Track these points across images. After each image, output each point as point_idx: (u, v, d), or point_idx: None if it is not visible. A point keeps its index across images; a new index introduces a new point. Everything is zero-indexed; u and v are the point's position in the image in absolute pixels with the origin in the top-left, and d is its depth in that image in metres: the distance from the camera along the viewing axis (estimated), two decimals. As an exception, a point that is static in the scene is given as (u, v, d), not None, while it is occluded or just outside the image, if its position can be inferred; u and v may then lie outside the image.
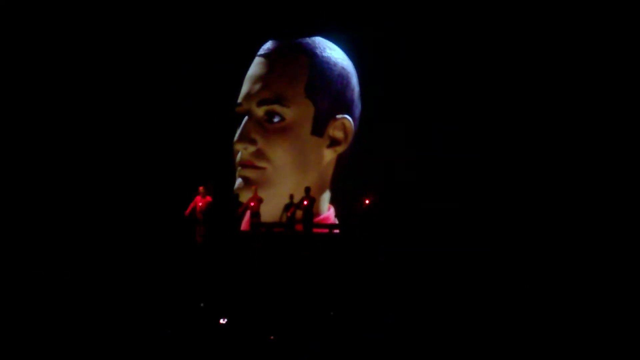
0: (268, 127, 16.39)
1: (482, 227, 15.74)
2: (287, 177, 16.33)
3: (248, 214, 16.16)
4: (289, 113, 16.41)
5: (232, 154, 16.77)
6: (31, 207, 16.38)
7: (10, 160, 16.85)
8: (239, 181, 16.49)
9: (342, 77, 16.82)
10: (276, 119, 16.38)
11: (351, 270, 14.36)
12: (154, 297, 13.89)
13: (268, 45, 17.04)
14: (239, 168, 16.53)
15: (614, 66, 16.08)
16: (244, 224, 16.37)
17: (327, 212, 16.66)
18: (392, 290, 13.95)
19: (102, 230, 15.79)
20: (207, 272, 14.40)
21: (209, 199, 15.94)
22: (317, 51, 16.85)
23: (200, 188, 16.01)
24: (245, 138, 16.36)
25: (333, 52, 16.95)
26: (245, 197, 16.05)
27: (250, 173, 16.36)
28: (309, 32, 17.14)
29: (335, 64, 16.82)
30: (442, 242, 15.17)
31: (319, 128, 16.56)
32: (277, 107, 16.39)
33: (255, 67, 16.90)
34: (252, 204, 15.92)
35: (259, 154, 16.34)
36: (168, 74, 17.47)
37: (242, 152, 16.38)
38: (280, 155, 16.34)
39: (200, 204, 15.89)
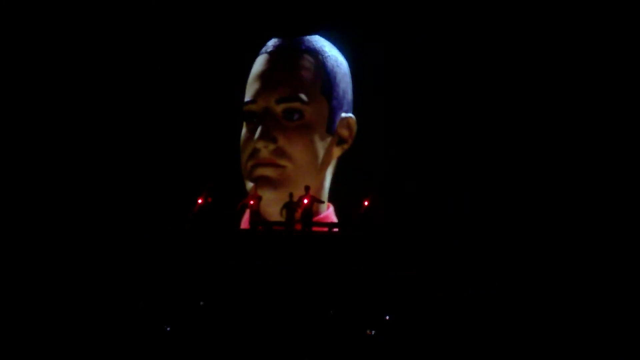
0: (287, 125, 16.37)
1: (481, 226, 15.76)
2: (306, 175, 16.33)
3: (247, 212, 16.20)
4: (308, 111, 16.45)
5: (239, 153, 16.70)
6: (34, 208, 16.38)
7: (12, 161, 16.84)
8: (257, 180, 16.30)
9: (346, 76, 17.11)
10: (296, 117, 16.39)
11: (351, 270, 14.36)
12: (154, 296, 13.90)
13: (274, 43, 17.08)
14: (257, 167, 16.38)
15: (605, 73, 16.08)
16: (244, 223, 16.43)
17: (327, 210, 16.72)
18: (392, 291, 13.96)
19: (102, 230, 15.76)
20: (207, 270, 14.39)
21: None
22: (326, 49, 17.05)
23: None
24: (267, 136, 16.25)
25: (335, 51, 17.19)
26: (267, 196, 15.97)
27: (270, 172, 16.29)
28: (309, 30, 17.25)
29: (340, 63, 17.07)
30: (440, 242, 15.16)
31: (331, 126, 16.70)
32: (297, 105, 16.41)
33: (265, 64, 16.90)
34: (251, 202, 15.97)
35: (280, 152, 16.29)
36: (168, 74, 17.47)
37: (263, 150, 16.25)
38: (300, 153, 16.34)
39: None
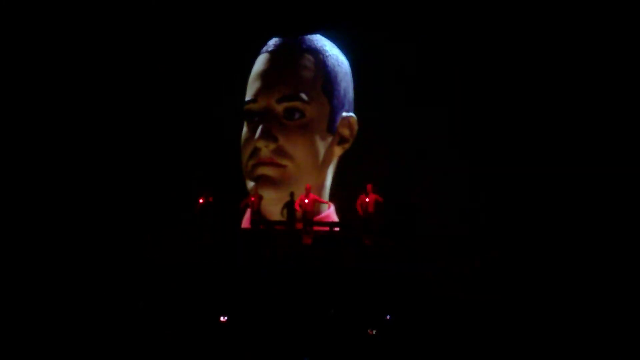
0: (288, 124, 16.42)
1: (480, 226, 15.77)
2: (307, 174, 16.39)
3: (249, 211, 16.22)
4: (309, 110, 16.50)
5: (240, 152, 16.76)
6: (36, 209, 16.42)
7: (15, 163, 16.88)
8: (258, 179, 16.36)
9: (347, 75, 17.12)
10: (297, 116, 16.43)
11: (352, 270, 14.36)
12: (155, 296, 13.91)
13: (275, 42, 17.08)
14: (258, 166, 16.41)
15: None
16: (245, 222, 16.45)
17: (328, 210, 16.71)
18: (393, 290, 13.96)
19: (103, 231, 15.80)
20: (208, 270, 14.40)
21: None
22: (327, 48, 17.08)
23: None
24: (268, 135, 16.30)
25: (335, 50, 17.20)
26: (268, 195, 16.10)
27: (271, 171, 16.34)
28: (309, 29, 17.26)
29: (341, 62, 17.10)
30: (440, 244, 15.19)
31: (332, 125, 16.72)
32: (298, 104, 16.45)
33: (266, 63, 16.91)
34: (252, 201, 15.99)
35: (280, 152, 16.33)
36: (168, 74, 17.50)
37: (263, 149, 16.30)
38: (301, 152, 16.40)
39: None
